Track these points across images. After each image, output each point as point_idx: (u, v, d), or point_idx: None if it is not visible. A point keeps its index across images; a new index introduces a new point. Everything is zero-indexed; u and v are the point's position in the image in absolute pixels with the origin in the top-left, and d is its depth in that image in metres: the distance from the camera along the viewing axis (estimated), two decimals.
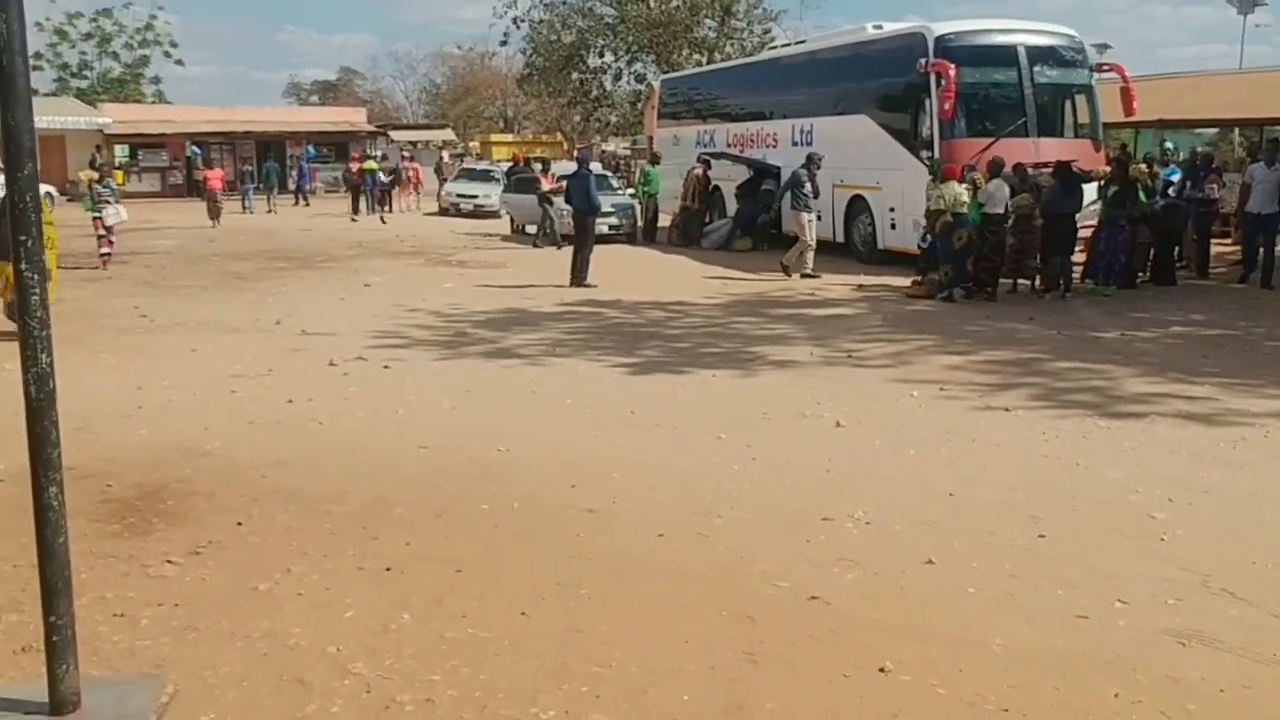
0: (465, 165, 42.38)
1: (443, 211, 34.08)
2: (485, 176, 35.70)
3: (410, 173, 36.78)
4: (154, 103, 60.07)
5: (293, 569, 5.15)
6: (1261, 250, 16.11)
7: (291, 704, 3.91)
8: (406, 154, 41.69)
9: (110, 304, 14.16)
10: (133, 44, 63.35)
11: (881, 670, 4.16)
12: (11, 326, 12.77)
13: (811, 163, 17.60)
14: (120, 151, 44.83)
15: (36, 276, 3.44)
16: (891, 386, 9.33)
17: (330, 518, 5.90)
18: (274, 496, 6.25)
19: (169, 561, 5.27)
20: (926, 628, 4.56)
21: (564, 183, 22.96)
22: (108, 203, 19.24)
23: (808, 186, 17.40)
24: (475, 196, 33.84)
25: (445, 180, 37.85)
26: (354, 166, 34.35)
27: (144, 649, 4.36)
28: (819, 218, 17.88)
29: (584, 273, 16.60)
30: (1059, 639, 4.44)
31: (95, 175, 21.56)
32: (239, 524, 5.79)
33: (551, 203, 23.32)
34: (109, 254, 18.95)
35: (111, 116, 45.90)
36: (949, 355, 10.73)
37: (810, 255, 17.35)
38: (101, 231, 18.97)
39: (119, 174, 36.27)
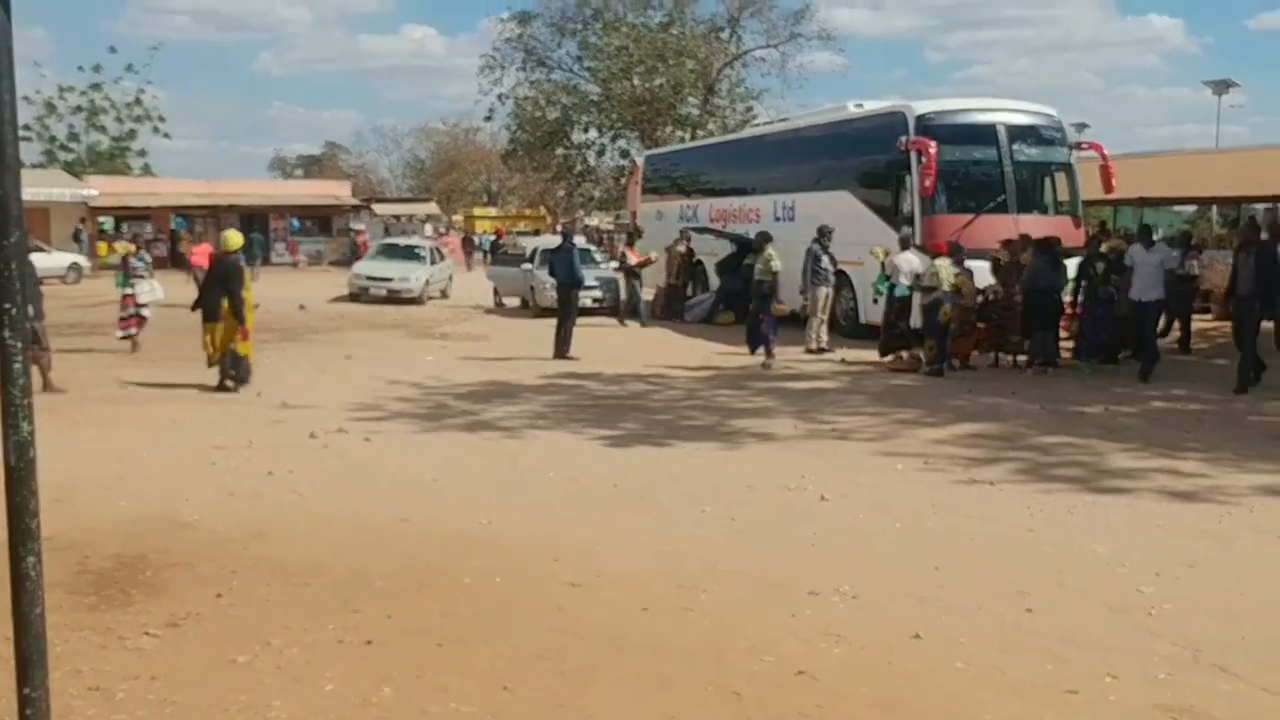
0: (386, 240, 35.15)
1: (351, 297, 27.55)
2: (408, 254, 29.16)
3: (446, 247, 36.82)
4: (140, 175, 60.30)
5: (272, 642, 5.07)
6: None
7: None
8: (441, 229, 41.92)
9: (92, 374, 14.06)
10: (121, 118, 63.72)
11: None
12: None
13: (823, 235, 17.72)
14: (105, 223, 44.93)
15: (19, 344, 3.40)
16: (876, 460, 9.33)
17: (310, 590, 5.82)
18: (254, 568, 6.17)
19: (147, 634, 5.19)
20: (915, 703, 4.51)
21: (652, 254, 23.41)
22: (142, 277, 17.30)
23: (824, 260, 17.55)
24: (389, 280, 27.17)
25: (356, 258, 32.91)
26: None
27: None
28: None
29: (567, 345, 16.64)
30: (1049, 714, 4.40)
31: (132, 248, 19.28)
32: (218, 596, 5.70)
33: (639, 277, 22.99)
34: (135, 334, 16.93)
35: (97, 189, 46.01)
36: (933, 429, 10.75)
37: (824, 330, 17.51)
38: (132, 309, 16.95)
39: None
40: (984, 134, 18.15)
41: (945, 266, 14.81)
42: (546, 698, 4.50)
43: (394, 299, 26.71)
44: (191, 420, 11.02)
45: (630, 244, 24.73)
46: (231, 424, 10.75)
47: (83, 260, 37.41)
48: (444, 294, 29.45)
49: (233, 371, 13.12)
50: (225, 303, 12.96)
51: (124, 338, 16.93)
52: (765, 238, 17.27)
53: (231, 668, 4.80)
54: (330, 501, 7.83)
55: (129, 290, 17.14)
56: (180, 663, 4.86)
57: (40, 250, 36.69)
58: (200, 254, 26.55)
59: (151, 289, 17.37)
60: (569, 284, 17.30)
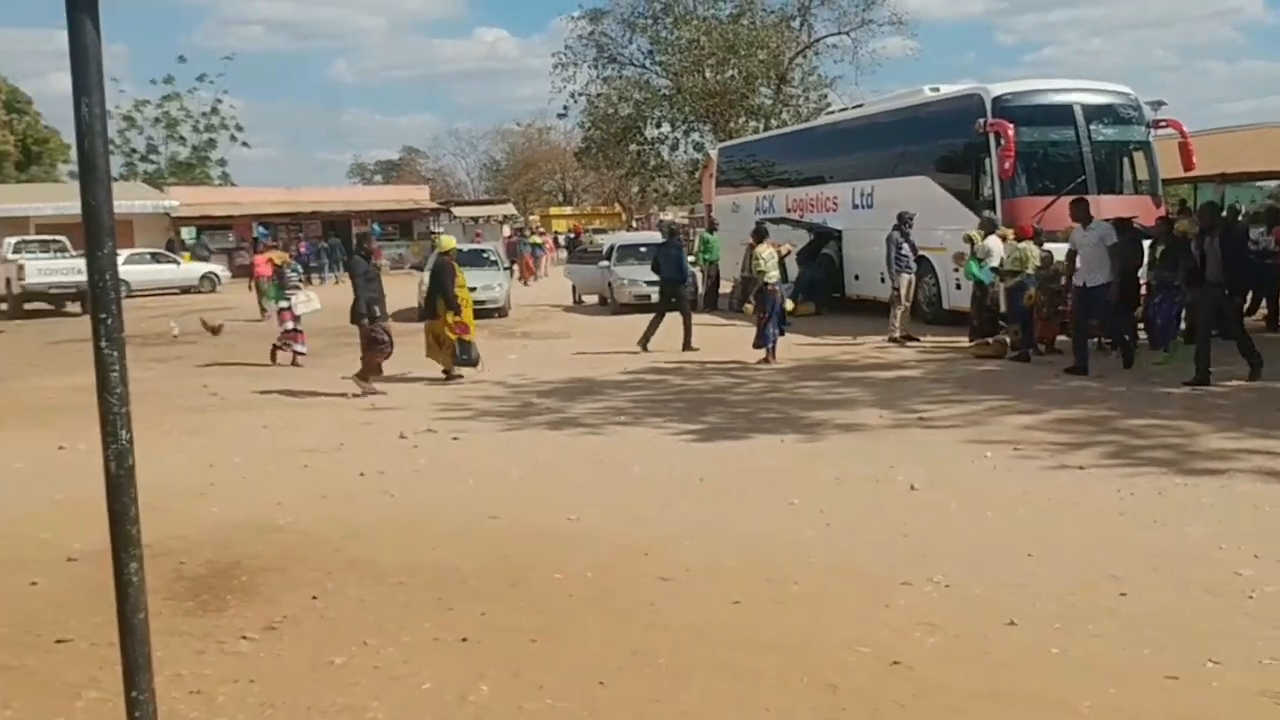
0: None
1: None
2: (480, 260, 25.22)
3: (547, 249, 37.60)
4: (220, 185, 61.60)
5: (369, 642, 5.12)
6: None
7: None
8: (541, 229, 42.75)
9: (180, 383, 14.40)
10: (199, 128, 65.14)
11: None
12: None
13: (904, 222, 17.50)
14: (187, 233, 45.97)
15: (116, 353, 3.46)
16: (964, 448, 9.18)
17: (404, 590, 5.88)
18: (348, 570, 6.25)
19: (244, 637, 5.27)
20: (1011, 690, 4.43)
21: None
22: (297, 288, 16.57)
23: (905, 247, 17.35)
24: (472, 290, 25.65)
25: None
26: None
27: None
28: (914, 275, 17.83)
29: (688, 338, 16.92)
30: (1149, 701, 4.29)
31: (286, 257, 18.42)
32: (314, 598, 5.79)
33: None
34: (297, 348, 16.06)
35: (178, 199, 47.10)
36: (1021, 415, 10.55)
37: (906, 317, 17.31)
38: (290, 324, 16.04)
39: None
40: (1061, 114, 17.89)
41: (1030, 249, 14.52)
42: (642, 693, 4.49)
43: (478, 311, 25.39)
44: (282, 425, 11.21)
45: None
46: (322, 427, 10.92)
47: (219, 270, 38.13)
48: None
49: (465, 357, 14.02)
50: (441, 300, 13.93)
51: (284, 350, 16.13)
52: (760, 233, 16.55)
53: (329, 669, 4.86)
54: (421, 501, 7.91)
55: (284, 304, 16.28)
56: (278, 665, 4.94)
57: (173, 261, 37.69)
58: (262, 264, 26.01)
59: (308, 299, 16.58)
60: (676, 280, 17.39)
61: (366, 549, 6.67)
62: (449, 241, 15.17)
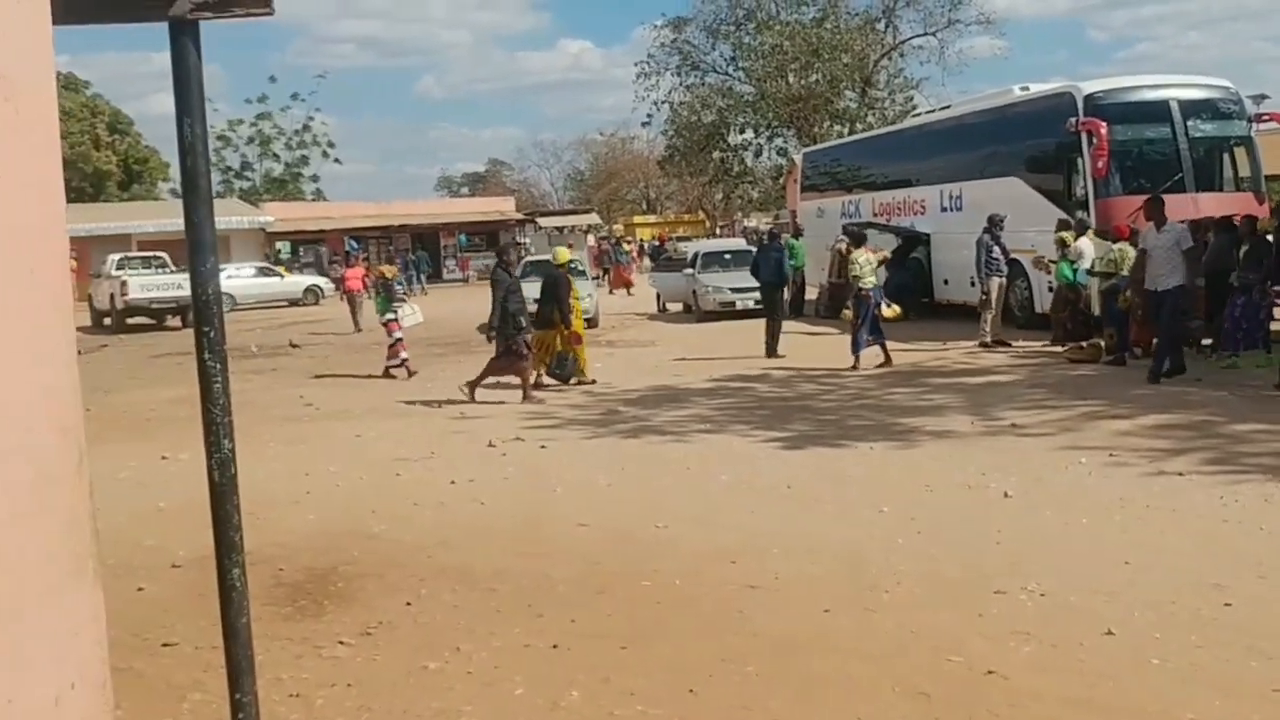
0: (535, 257, 27.64)
1: None
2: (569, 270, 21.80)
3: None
4: (313, 200, 62.90)
5: (461, 647, 5.20)
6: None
7: None
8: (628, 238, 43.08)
9: (275, 394, 14.71)
10: (291, 145, 66.61)
11: None
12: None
13: (994, 225, 17.26)
14: (282, 248, 47.01)
15: (218, 365, 3.56)
16: (1059, 454, 9.01)
17: (495, 596, 5.95)
18: (440, 576, 6.34)
19: (341, 642, 5.38)
20: (1110, 701, 4.35)
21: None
22: (403, 300, 16.75)
23: (996, 250, 17.12)
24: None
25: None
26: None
27: None
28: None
29: (775, 344, 16.89)
30: (1256, 714, 4.17)
31: (394, 270, 18.29)
32: (408, 604, 5.88)
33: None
34: (405, 360, 16.14)
35: (273, 215, 48.19)
36: (1117, 421, 10.33)
37: (997, 321, 17.08)
38: (398, 334, 16.14)
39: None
40: (1157, 111, 17.46)
41: (1126, 250, 14.22)
42: (732, 700, 4.49)
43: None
44: (374, 434, 11.40)
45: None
46: (413, 436, 11.08)
47: (322, 283, 38.88)
48: None
49: (558, 371, 14.38)
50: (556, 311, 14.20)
51: (397, 366, 16.16)
52: (859, 237, 16.73)
53: (423, 674, 4.94)
54: (510, 509, 7.99)
55: (391, 316, 16.25)
56: (374, 670, 5.03)
57: (277, 275, 38.60)
58: (354, 278, 25.34)
59: (413, 313, 16.80)
60: (775, 284, 17.47)
61: (458, 556, 6.77)
62: (564, 253, 15.57)
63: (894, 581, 5.91)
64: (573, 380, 14.41)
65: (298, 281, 38.70)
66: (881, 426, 10.67)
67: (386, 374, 16.12)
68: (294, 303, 36.56)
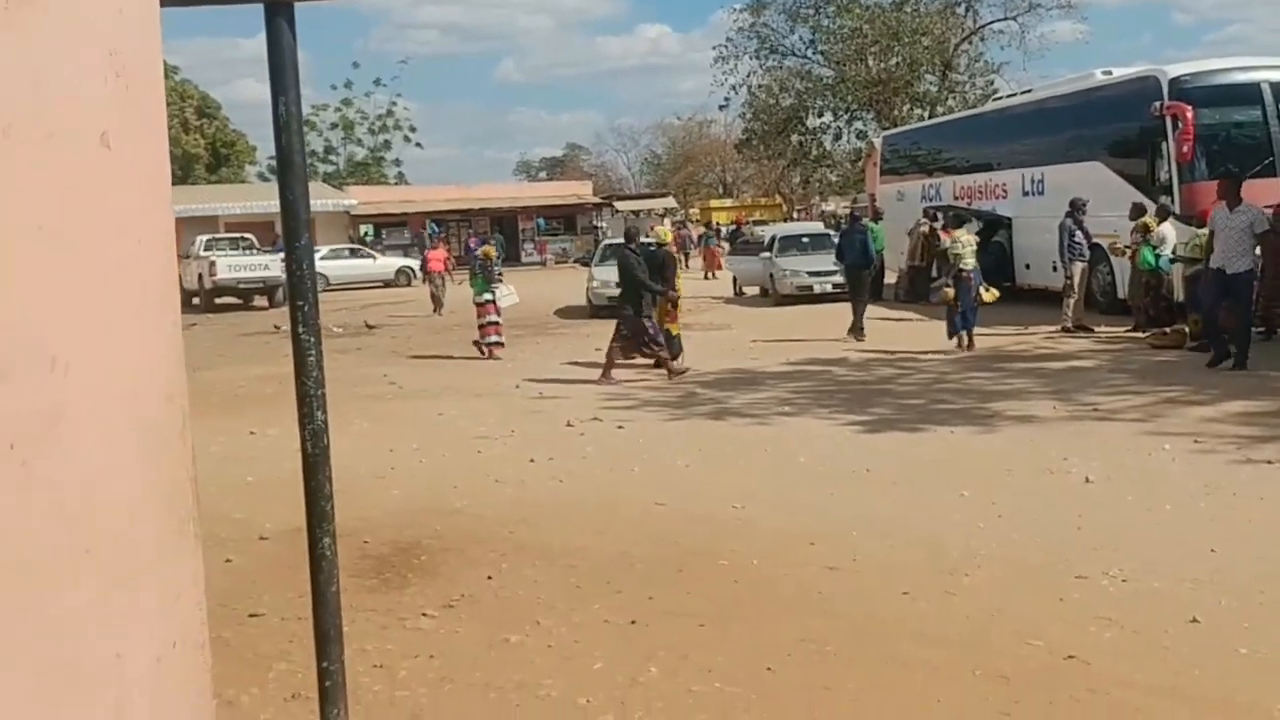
0: (614, 240, 25.21)
1: (591, 310, 21.98)
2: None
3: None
4: (396, 184, 63.65)
5: (541, 622, 5.26)
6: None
7: None
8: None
9: (360, 373, 14.95)
10: (374, 129, 67.42)
11: None
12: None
13: (1077, 209, 16.99)
14: (366, 230, 47.66)
15: (312, 339, 3.64)
16: (1142, 440, 8.86)
17: (575, 572, 6.01)
18: (521, 552, 6.42)
19: (424, 615, 5.47)
20: (1194, 690, 4.27)
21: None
22: (500, 282, 16.77)
23: (1079, 234, 16.88)
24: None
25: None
26: None
27: (403, 699, 4.53)
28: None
29: (859, 325, 16.94)
30: None
31: (493, 251, 18.15)
32: (489, 578, 5.97)
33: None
34: (498, 341, 16.31)
35: (356, 198, 48.84)
36: (1202, 407, 10.11)
37: (1080, 306, 16.82)
38: (493, 316, 16.27)
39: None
40: (1246, 94, 16.98)
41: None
42: (811, 680, 4.50)
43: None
44: (456, 413, 11.55)
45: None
46: (493, 415, 11.22)
47: (415, 264, 39.55)
48: None
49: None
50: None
51: (491, 345, 16.28)
52: (959, 218, 16.88)
53: (504, 647, 5.01)
54: (589, 487, 8.06)
55: (489, 297, 16.37)
56: (456, 642, 5.11)
57: (370, 257, 39.28)
58: (436, 259, 25.91)
59: (510, 294, 16.92)
60: (860, 265, 17.55)
61: (538, 532, 6.85)
62: (666, 233, 16.27)
63: (974, 565, 5.87)
64: (679, 360, 14.38)
65: (389, 263, 39.23)
66: (962, 410, 10.56)
67: (486, 353, 16.16)
68: (386, 284, 37.10)
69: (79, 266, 2.01)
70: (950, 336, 15.21)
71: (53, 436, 1.90)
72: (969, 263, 15.23)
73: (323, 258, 36.78)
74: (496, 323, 16.42)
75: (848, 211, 54.03)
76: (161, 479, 2.35)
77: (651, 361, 13.99)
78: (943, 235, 19.63)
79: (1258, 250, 12.90)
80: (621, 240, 16.17)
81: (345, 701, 3.95)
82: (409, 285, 36.60)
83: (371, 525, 7.09)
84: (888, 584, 5.65)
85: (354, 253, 38.91)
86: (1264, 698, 4.16)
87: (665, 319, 14.49)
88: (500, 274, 17.11)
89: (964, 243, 15.46)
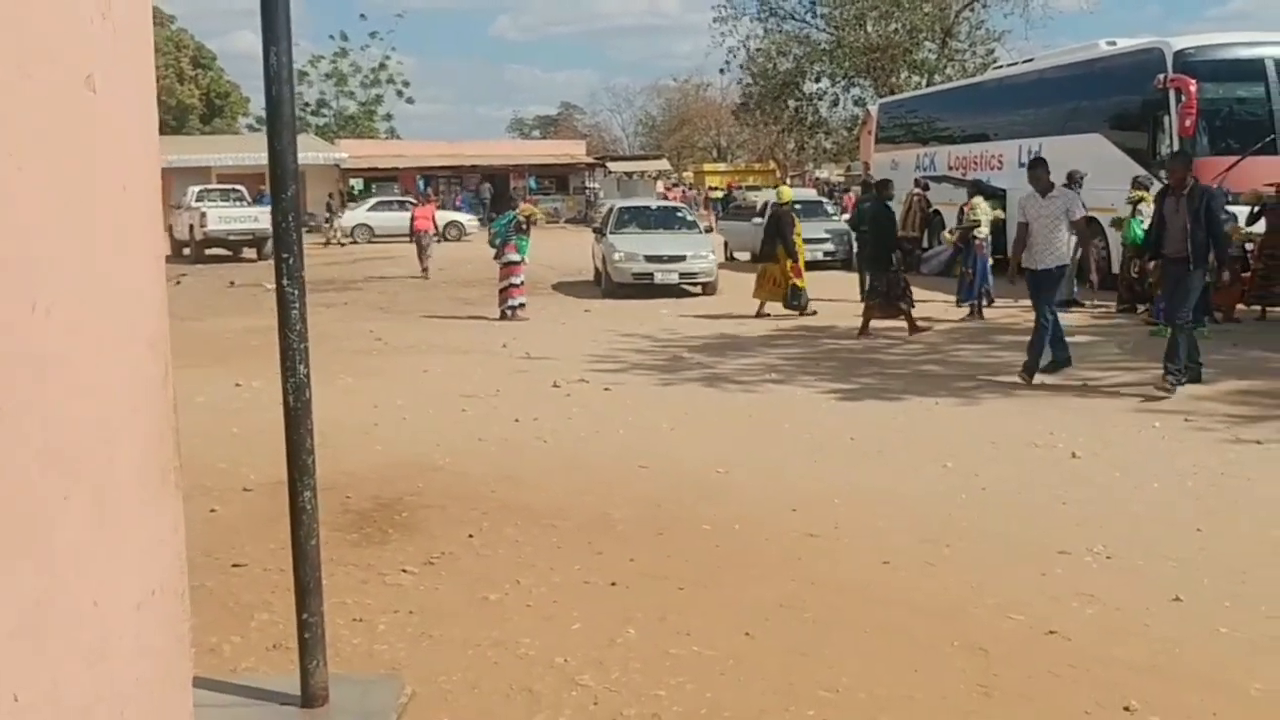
0: (629, 202, 27.02)
1: (613, 287, 19.30)
2: (673, 220, 21.59)
3: None
4: (386, 138, 63.23)
5: (521, 581, 5.27)
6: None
7: (521, 712, 3.98)
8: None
9: (346, 328, 14.91)
10: (367, 83, 66.92)
11: (1127, 709, 3.93)
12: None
13: (1074, 181, 16.79)
14: (356, 184, 47.34)
15: (296, 291, 3.61)
16: (1131, 417, 8.88)
17: (556, 532, 6.02)
18: (503, 511, 6.42)
19: (404, 571, 5.48)
20: (1174, 668, 4.29)
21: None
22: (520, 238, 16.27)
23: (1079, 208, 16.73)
24: (680, 258, 19.21)
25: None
26: None
27: (381, 652, 4.53)
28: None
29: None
30: None
31: (533, 210, 17.64)
32: (470, 536, 5.97)
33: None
34: (519, 304, 15.97)
35: (347, 152, 48.50)
36: (1193, 385, 10.11)
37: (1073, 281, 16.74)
38: (520, 277, 15.98)
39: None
40: (1250, 69, 17.01)
41: None
42: (788, 645, 4.51)
43: (683, 287, 19.33)
44: (441, 371, 11.53)
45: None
46: (479, 374, 11.19)
47: (465, 219, 39.49)
48: None
49: (795, 302, 15.74)
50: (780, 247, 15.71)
51: (514, 308, 15.88)
52: (976, 185, 17.55)
53: (484, 605, 5.02)
54: (573, 448, 8.06)
55: (515, 259, 16.00)
56: (436, 599, 5.12)
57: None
58: (423, 217, 24.76)
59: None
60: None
61: (520, 492, 6.84)
62: (787, 193, 17.30)
63: (956, 536, 5.88)
64: (808, 309, 15.65)
65: (438, 217, 38.91)
66: (948, 381, 10.58)
67: (510, 315, 15.74)
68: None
69: (61, 211, 1.98)
70: (960, 304, 15.37)
71: (32, 380, 1.87)
72: (984, 230, 15.34)
73: (369, 209, 38.75)
74: (521, 284, 15.96)
75: (841, 178, 54.06)
76: (142, 427, 2.33)
77: (799, 312, 15.48)
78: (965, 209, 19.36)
79: (1074, 240, 11.78)
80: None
81: (324, 653, 3.97)
82: (460, 240, 36.43)
83: (354, 480, 7.08)
84: (868, 553, 5.66)
85: (401, 204, 38.61)
86: (1243, 677, 4.17)
87: (792, 274, 15.41)
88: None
89: (982, 209, 15.94)
